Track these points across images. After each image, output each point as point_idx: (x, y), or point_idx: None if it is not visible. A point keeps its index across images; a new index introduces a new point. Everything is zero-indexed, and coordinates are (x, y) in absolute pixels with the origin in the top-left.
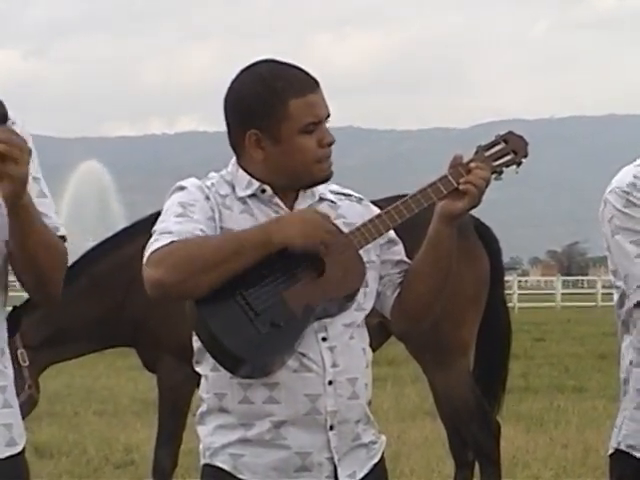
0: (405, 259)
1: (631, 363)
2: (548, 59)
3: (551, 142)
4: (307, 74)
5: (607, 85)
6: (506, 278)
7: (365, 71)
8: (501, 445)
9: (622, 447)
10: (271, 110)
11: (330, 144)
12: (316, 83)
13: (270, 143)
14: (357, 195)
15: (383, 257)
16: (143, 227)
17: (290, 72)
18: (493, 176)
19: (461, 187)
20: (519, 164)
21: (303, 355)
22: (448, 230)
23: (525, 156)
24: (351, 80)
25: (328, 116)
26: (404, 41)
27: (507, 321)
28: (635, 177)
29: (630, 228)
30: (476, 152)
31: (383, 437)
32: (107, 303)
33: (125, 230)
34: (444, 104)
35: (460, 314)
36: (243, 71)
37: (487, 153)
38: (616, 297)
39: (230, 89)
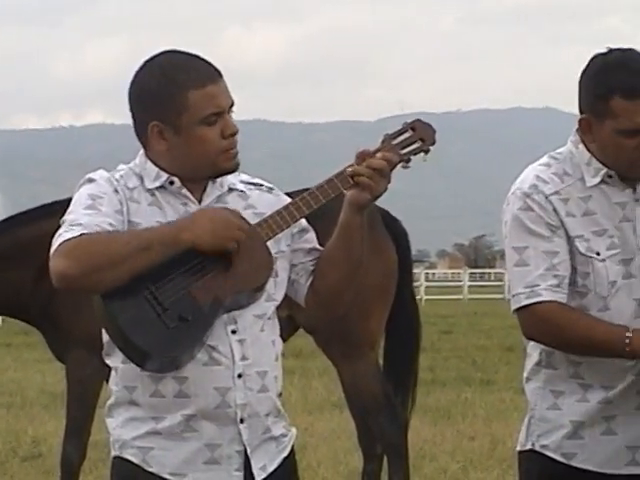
0: (317, 247)
1: (539, 363)
2: (456, 52)
3: (458, 135)
4: (208, 64)
5: (514, 78)
6: (413, 271)
7: (273, 64)
8: (409, 437)
9: (536, 448)
10: (171, 101)
11: (233, 135)
12: (218, 73)
13: (172, 134)
14: (268, 185)
15: (295, 246)
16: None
17: (190, 63)
18: (400, 164)
19: (355, 179)
20: (427, 152)
21: (212, 348)
22: (357, 218)
23: (433, 144)
24: (259, 73)
25: (232, 106)
26: (312, 34)
27: (415, 314)
28: (538, 178)
29: (517, 234)
30: (383, 141)
31: (293, 430)
32: (22, 277)
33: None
34: (351, 97)
35: (368, 306)
36: (145, 63)
37: (394, 141)
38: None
39: (132, 81)
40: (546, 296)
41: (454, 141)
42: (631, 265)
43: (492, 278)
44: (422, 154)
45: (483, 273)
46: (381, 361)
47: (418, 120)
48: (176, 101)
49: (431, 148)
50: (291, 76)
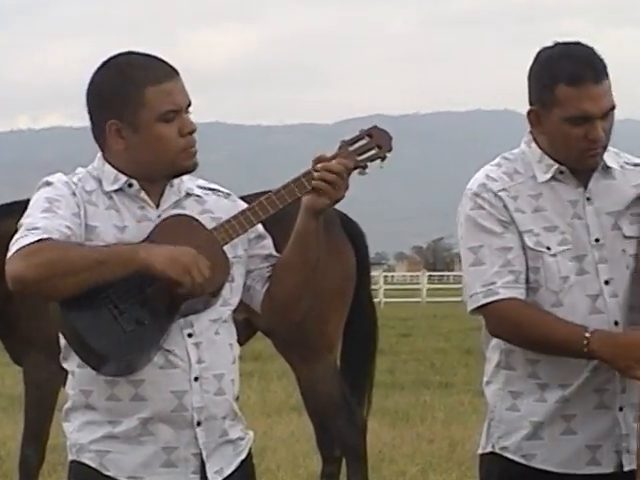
0: (274, 253)
1: (498, 365)
2: (415, 54)
3: (416, 138)
4: (165, 63)
5: (474, 80)
6: (372, 273)
7: (232, 66)
8: (367, 440)
9: (496, 450)
10: (128, 98)
11: (191, 133)
12: (175, 72)
13: (130, 132)
14: (224, 190)
15: (251, 251)
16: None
17: (147, 62)
18: (357, 171)
19: (313, 183)
20: (383, 158)
21: (169, 352)
22: (314, 224)
23: (389, 150)
24: (217, 75)
25: (189, 105)
26: (271, 36)
27: (373, 317)
28: (487, 177)
29: (471, 234)
30: (340, 147)
31: (251, 433)
32: None
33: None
34: (309, 100)
35: (326, 310)
36: (102, 64)
37: (351, 148)
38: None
39: (90, 82)
40: (504, 293)
41: (412, 144)
42: (584, 262)
43: (451, 280)
44: (379, 161)
45: (442, 275)
46: (339, 364)
47: (375, 127)
48: (133, 98)
49: (388, 155)
50: (250, 78)
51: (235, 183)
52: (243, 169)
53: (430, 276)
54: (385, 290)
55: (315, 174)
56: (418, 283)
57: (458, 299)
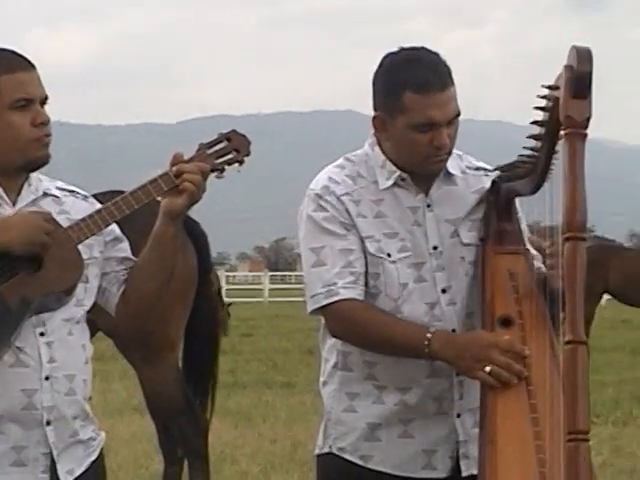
0: (130, 256)
1: (335, 366)
2: (259, 54)
3: (259, 137)
4: (21, 56)
5: (317, 81)
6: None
7: (74, 66)
8: (209, 441)
9: (334, 450)
10: None
11: (44, 123)
12: (31, 65)
13: None
14: (83, 193)
15: (108, 254)
16: None
17: (1, 53)
18: (214, 174)
19: (179, 184)
20: (241, 162)
21: (20, 350)
22: (172, 229)
23: (247, 155)
24: (60, 75)
25: (45, 99)
26: (114, 36)
27: (215, 317)
28: (330, 180)
29: (313, 235)
30: (198, 149)
31: (102, 434)
32: None
33: None
34: (152, 99)
35: (167, 310)
36: None
37: (209, 151)
38: None
39: None
40: (344, 294)
41: (255, 144)
42: (422, 269)
43: (293, 281)
44: (236, 164)
45: (284, 275)
46: (181, 364)
47: (234, 131)
48: None
49: (245, 159)
50: (93, 78)
51: (78, 182)
52: (86, 168)
53: (272, 276)
54: (227, 290)
55: (175, 172)
56: (260, 283)
57: (300, 299)
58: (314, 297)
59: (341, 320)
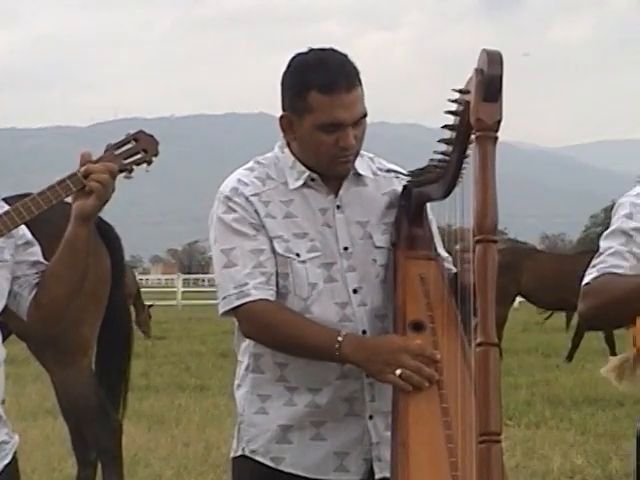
0: (42, 260)
1: (247, 368)
2: (171, 57)
3: (171, 140)
4: None
5: (229, 84)
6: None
7: None
8: (123, 444)
9: (247, 453)
10: None
11: None
12: None
13: None
14: None
15: (18, 257)
16: None
17: None
18: (123, 174)
19: (87, 184)
20: (149, 162)
21: None
22: (84, 231)
23: (155, 155)
24: None
25: None
26: (26, 39)
27: (128, 320)
28: (239, 181)
29: (223, 237)
30: (106, 150)
31: (16, 437)
32: None
33: None
34: (65, 103)
35: (80, 313)
36: None
37: (117, 151)
38: None
39: None
40: (255, 294)
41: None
42: (332, 269)
43: (206, 284)
44: (145, 165)
45: (197, 279)
46: (94, 367)
47: (141, 131)
48: None
49: (154, 159)
50: (4, 81)
51: None
52: None
53: (185, 279)
54: (141, 294)
55: (84, 172)
56: (173, 286)
57: (213, 302)
58: (226, 298)
59: (253, 321)
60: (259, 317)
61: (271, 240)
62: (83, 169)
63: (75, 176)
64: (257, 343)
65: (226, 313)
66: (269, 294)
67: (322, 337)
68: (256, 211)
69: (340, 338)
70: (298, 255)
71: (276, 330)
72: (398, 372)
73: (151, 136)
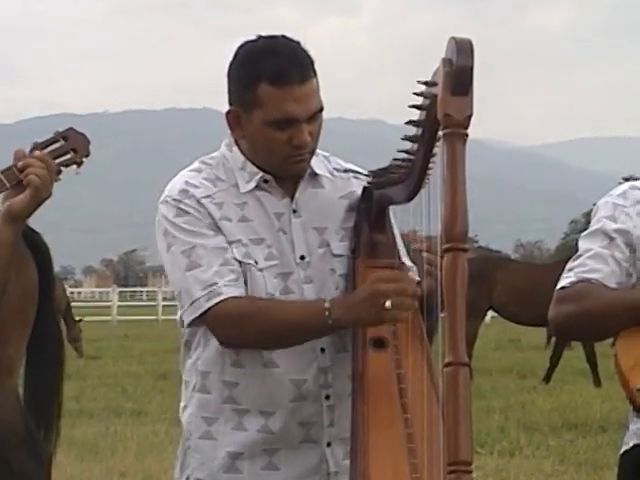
0: None
1: (194, 388)
2: (105, 49)
3: (105, 138)
4: None
5: (168, 76)
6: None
7: None
8: (53, 475)
9: None
10: None
11: None
12: None
13: None
14: None
15: None
16: None
17: None
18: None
19: (23, 178)
20: (80, 164)
21: None
22: (10, 234)
23: (86, 155)
24: None
25: None
26: None
27: (58, 337)
28: (188, 184)
29: (183, 239)
30: (32, 149)
31: None
32: None
33: None
34: None
35: (4, 331)
36: None
37: (44, 151)
38: (178, 315)
39: None
40: (228, 292)
41: (102, 145)
42: (289, 280)
43: (144, 297)
44: (74, 166)
45: (134, 292)
46: (21, 390)
47: (71, 129)
48: None
49: (84, 160)
50: None
51: None
52: None
53: (121, 292)
54: (72, 308)
55: (16, 169)
56: (108, 300)
57: (152, 317)
58: (194, 304)
59: (229, 320)
60: (237, 313)
61: (230, 244)
62: (20, 163)
63: (10, 170)
64: (226, 348)
65: (195, 321)
66: (240, 292)
67: (308, 310)
68: (210, 214)
69: (327, 304)
70: (256, 262)
71: (259, 319)
72: (388, 304)
73: (82, 134)
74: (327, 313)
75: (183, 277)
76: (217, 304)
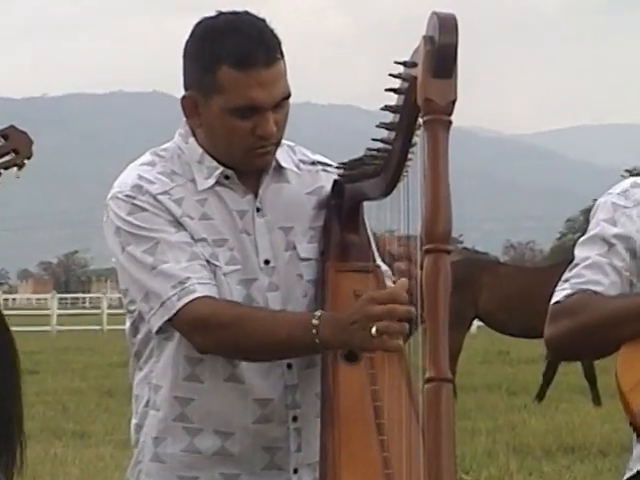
0: None
1: (147, 404)
2: (39, 24)
3: (43, 126)
4: None
5: (114, 56)
6: None
7: None
8: None
9: None
10: None
11: None
12: None
13: None
14: None
15: None
16: None
17: None
18: None
19: None
20: (21, 166)
21: None
22: None
23: (29, 157)
24: None
25: None
26: None
27: (11, 348)
28: (141, 178)
29: (143, 236)
30: None
31: None
32: None
33: None
34: None
35: None
36: None
37: None
38: (128, 324)
39: None
40: (202, 291)
41: (39, 134)
42: (252, 287)
43: (87, 305)
44: (15, 168)
45: (76, 298)
46: None
47: (12, 127)
48: None
49: (26, 162)
50: None
51: None
52: None
53: (61, 299)
54: (5, 317)
55: None
56: (47, 308)
57: (96, 327)
58: (164, 304)
59: (204, 326)
60: (210, 318)
61: (195, 243)
62: None
63: None
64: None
65: (166, 323)
66: (214, 291)
67: (295, 326)
68: (169, 210)
69: (315, 321)
70: (220, 266)
71: (236, 328)
72: (373, 330)
73: (24, 133)
74: (315, 331)
75: (148, 277)
76: (190, 303)
